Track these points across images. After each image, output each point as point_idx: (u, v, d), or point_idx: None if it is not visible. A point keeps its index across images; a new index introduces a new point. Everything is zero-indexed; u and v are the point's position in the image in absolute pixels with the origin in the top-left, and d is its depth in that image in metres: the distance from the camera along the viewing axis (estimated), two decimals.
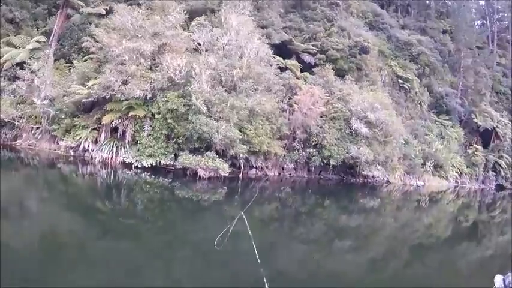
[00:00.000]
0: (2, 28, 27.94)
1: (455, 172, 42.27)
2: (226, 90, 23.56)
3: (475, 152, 44.50)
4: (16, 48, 27.98)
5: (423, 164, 38.95)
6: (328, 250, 14.52)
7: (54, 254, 9.89)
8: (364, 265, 13.14)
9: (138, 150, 23.56)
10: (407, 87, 43.88)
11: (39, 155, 26.07)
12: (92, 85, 23.97)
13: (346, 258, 13.65)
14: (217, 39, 25.03)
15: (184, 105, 22.94)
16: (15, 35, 28.75)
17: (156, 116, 23.35)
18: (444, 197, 37.49)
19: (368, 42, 37.86)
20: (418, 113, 45.06)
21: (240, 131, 24.31)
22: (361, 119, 31.10)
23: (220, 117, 22.54)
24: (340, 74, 35.32)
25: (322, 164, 31.48)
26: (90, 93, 23.51)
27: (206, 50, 25.06)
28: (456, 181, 43.04)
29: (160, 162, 23.59)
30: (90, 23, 28.72)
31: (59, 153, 26.01)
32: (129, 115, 23.59)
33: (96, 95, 23.34)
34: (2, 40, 27.49)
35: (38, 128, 27.14)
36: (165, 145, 23.64)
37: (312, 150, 30.37)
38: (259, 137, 24.84)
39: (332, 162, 30.37)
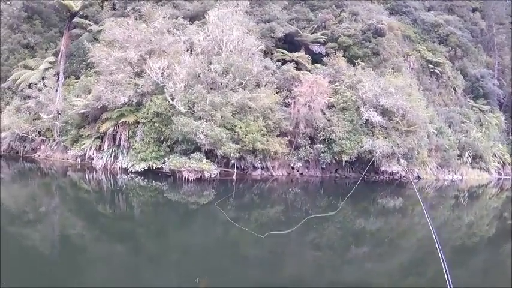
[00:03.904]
0: (19, 53, 30.77)
1: (497, 162, 37.15)
2: (206, 87, 22.95)
3: None
4: (32, 69, 30.56)
5: (459, 156, 34.55)
6: (343, 258, 13.01)
7: (59, 254, 11.37)
8: (388, 273, 11.79)
9: (133, 155, 23.99)
10: (439, 72, 40.02)
11: (54, 164, 28.15)
12: (91, 96, 25.16)
13: (367, 267, 12.10)
14: (195, 36, 24.65)
15: (171, 107, 22.91)
16: (31, 58, 31.52)
17: (143, 120, 23.63)
18: (486, 192, 32.97)
19: (383, 24, 34.83)
20: (453, 99, 40.78)
21: (232, 129, 23.61)
22: (375, 107, 28.37)
23: (203, 116, 22.00)
24: (355, 61, 32.92)
25: (335, 161, 29.18)
26: (87, 104, 24.66)
27: (187, 50, 24.85)
28: (499, 172, 37.76)
29: (153, 166, 23.72)
30: (97, 39, 30.25)
31: (70, 162, 27.67)
32: (122, 122, 24.23)
33: (92, 106, 24.39)
34: (19, 64, 30.28)
35: (54, 140, 29.23)
36: (156, 149, 23.76)
37: (320, 146, 28.25)
38: (250, 134, 23.74)
39: (344, 157, 27.67)
